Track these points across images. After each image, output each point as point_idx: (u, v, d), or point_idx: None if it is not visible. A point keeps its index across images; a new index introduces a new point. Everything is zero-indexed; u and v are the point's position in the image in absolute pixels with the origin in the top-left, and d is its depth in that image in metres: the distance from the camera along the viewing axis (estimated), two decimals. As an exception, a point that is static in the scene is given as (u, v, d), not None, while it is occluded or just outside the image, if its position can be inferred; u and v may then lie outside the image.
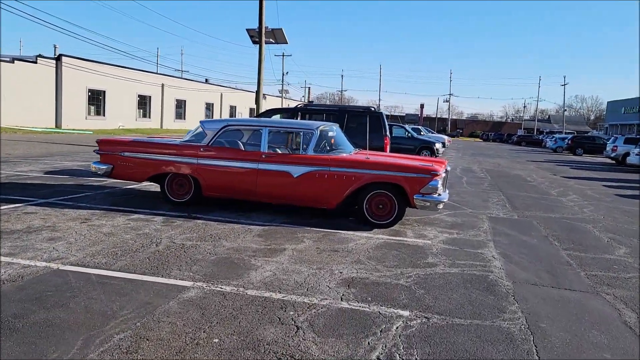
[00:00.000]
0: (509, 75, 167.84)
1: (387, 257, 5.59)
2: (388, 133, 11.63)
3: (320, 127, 7.51)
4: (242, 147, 7.62)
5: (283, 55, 65.31)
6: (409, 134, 22.64)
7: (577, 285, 5.00)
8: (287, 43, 21.58)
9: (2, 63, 29.23)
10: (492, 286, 4.78)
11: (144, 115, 42.43)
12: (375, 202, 7.15)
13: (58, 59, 33.54)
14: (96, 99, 36.90)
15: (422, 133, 30.33)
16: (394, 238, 6.53)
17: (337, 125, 8.53)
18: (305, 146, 7.38)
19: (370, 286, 4.55)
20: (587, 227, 8.17)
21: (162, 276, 4.49)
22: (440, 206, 7.05)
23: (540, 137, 61.48)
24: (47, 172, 11.09)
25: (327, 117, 11.72)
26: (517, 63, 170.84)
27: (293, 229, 6.71)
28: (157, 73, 46.57)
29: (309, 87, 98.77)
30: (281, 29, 20.92)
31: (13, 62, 30.46)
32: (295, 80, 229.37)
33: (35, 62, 31.95)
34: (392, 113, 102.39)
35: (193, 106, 48.47)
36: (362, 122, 11.02)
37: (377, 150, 10.41)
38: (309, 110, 12.05)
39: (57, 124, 33.14)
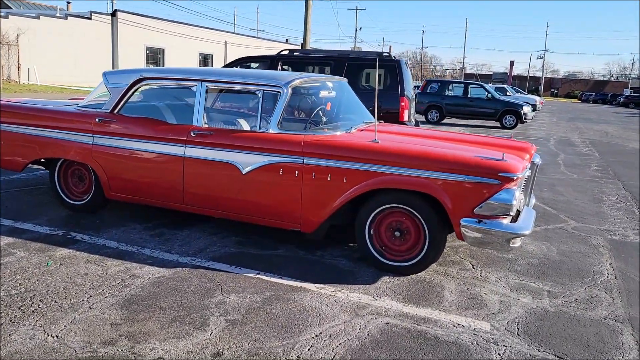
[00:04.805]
0: (615, 27, 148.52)
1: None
2: (409, 92, 7.91)
3: (296, 82, 4.12)
4: (165, 117, 4.47)
5: (357, 9, 60.50)
6: (489, 95, 18.27)
7: None
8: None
9: (50, 19, 28.00)
10: None
11: (206, 74, 40.46)
12: (388, 225, 3.76)
13: (113, 14, 31.98)
14: (155, 58, 35.28)
15: (508, 93, 25.56)
16: (412, 311, 3.15)
17: (343, 80, 5.07)
18: (265, 117, 4.07)
19: None
20: None
21: None
22: (516, 243, 3.49)
23: (654, 98, 52.63)
24: None
25: (321, 68, 8.23)
26: (626, 11, 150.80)
27: (220, 276, 3.52)
28: (219, 30, 44.13)
29: (390, 45, 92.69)
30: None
31: (66, 19, 29.24)
32: (372, 37, 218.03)
33: (90, 19, 30.56)
34: (479, 72, 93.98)
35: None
36: (371, 75, 7.53)
37: (390, 117, 6.85)
38: (295, 60, 8.50)
39: (114, 84, 31.87)
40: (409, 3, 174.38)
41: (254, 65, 8.85)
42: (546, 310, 3.30)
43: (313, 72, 8.31)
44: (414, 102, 8.93)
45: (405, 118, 7.63)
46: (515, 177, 3.40)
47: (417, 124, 9.23)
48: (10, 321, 2.74)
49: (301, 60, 8.49)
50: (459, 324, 3.04)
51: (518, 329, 3.03)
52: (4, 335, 2.60)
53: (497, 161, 3.44)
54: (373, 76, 8.29)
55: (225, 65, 9.32)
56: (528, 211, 3.93)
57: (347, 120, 4.54)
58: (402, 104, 7.53)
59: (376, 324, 2.98)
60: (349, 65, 7.77)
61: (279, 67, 8.16)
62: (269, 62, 8.30)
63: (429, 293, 3.45)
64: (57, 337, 2.62)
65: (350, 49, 51.15)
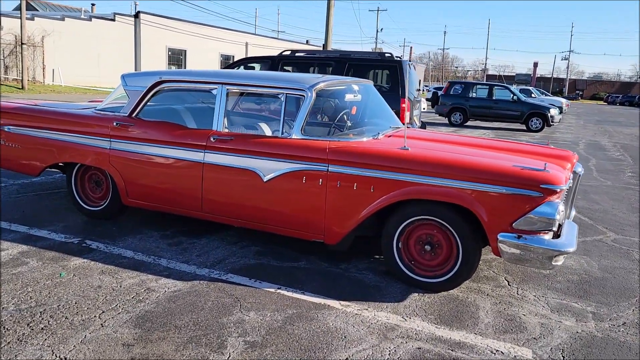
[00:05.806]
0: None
1: None
2: (411, 93, 7.67)
3: (321, 86, 3.91)
4: (184, 121, 4.31)
5: (378, 10, 60.03)
6: (515, 97, 17.80)
7: None
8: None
9: (75, 20, 28.35)
10: None
11: (227, 76, 40.52)
12: (418, 238, 3.53)
13: (136, 16, 32.25)
14: (177, 59, 35.50)
15: (533, 95, 25.01)
16: (445, 334, 2.91)
17: (369, 82, 4.85)
18: (288, 122, 3.87)
19: None
20: None
21: None
22: (559, 262, 3.22)
23: (685, 100, 51.03)
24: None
25: (322, 69, 8.02)
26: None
27: (240, 291, 3.33)
28: (241, 31, 44.24)
29: (411, 47, 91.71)
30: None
31: (90, 20, 29.58)
32: (393, 38, 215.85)
33: (113, 20, 30.86)
34: (502, 73, 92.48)
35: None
36: (373, 76, 7.38)
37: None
38: (297, 60, 8.29)
39: (136, 85, 32.11)
40: (431, 4, 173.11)
41: (257, 66, 8.71)
42: (593, 335, 3.02)
43: (314, 72, 8.13)
44: (418, 104, 8.73)
45: (406, 120, 7.41)
46: (558, 190, 3.13)
47: (423, 125, 8.96)
48: (18, 339, 2.59)
49: (302, 60, 8.31)
50: (497, 350, 2.79)
51: (563, 357, 2.76)
52: (11, 357, 2.44)
53: (539, 172, 3.17)
54: (375, 77, 8.09)
55: (227, 67, 9.18)
56: (570, 225, 3.65)
57: (373, 125, 4.33)
58: (403, 105, 7.28)
59: (407, 348, 2.75)
60: (349, 65, 7.59)
61: (279, 69, 8.02)
62: (269, 62, 8.14)
63: (463, 313, 3.21)
64: (65, 358, 2.45)
65: (371, 50, 50.74)
